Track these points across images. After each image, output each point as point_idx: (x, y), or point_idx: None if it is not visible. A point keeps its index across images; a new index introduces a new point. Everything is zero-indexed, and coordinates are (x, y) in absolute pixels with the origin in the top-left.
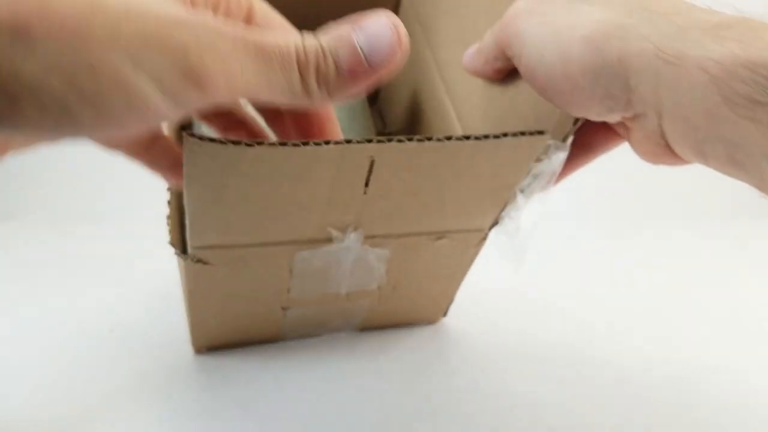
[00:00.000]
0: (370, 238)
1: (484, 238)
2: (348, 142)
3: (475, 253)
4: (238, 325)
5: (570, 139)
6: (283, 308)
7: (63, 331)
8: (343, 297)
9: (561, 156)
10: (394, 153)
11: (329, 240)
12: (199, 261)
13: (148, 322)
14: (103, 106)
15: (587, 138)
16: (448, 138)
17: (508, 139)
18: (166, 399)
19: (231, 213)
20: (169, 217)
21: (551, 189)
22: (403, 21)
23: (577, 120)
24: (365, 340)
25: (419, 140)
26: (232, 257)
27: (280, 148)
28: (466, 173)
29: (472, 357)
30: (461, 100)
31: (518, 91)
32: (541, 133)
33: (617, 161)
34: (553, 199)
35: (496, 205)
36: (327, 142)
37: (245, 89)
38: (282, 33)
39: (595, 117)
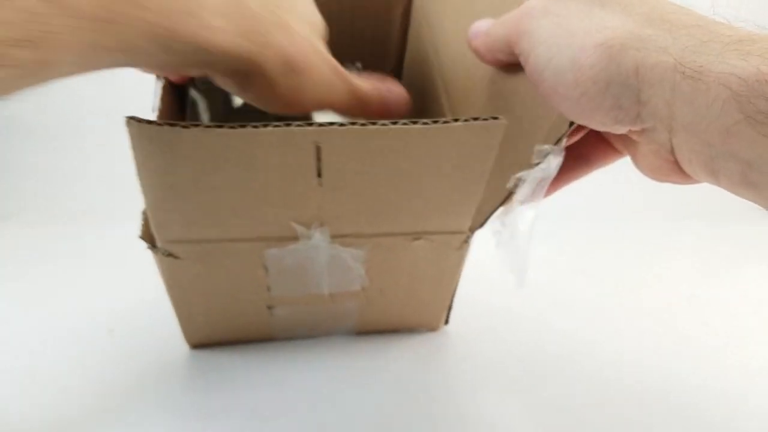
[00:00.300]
0: (339, 237)
1: (466, 241)
2: (288, 125)
3: (460, 257)
4: (227, 323)
5: (563, 142)
6: (269, 307)
7: (62, 331)
8: (327, 298)
9: (556, 161)
10: (339, 138)
11: (295, 238)
12: (169, 255)
13: (148, 323)
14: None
15: (585, 150)
16: (394, 122)
17: (459, 125)
18: (165, 399)
19: (187, 204)
20: (143, 212)
21: (542, 199)
22: (412, 21)
23: (572, 123)
24: (364, 342)
25: (362, 124)
26: (200, 252)
27: (216, 130)
28: (423, 164)
29: (472, 363)
30: (458, 102)
31: (515, 93)
32: (495, 118)
33: (618, 162)
34: (555, 201)
35: (469, 203)
36: (266, 125)
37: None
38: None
39: (598, 127)
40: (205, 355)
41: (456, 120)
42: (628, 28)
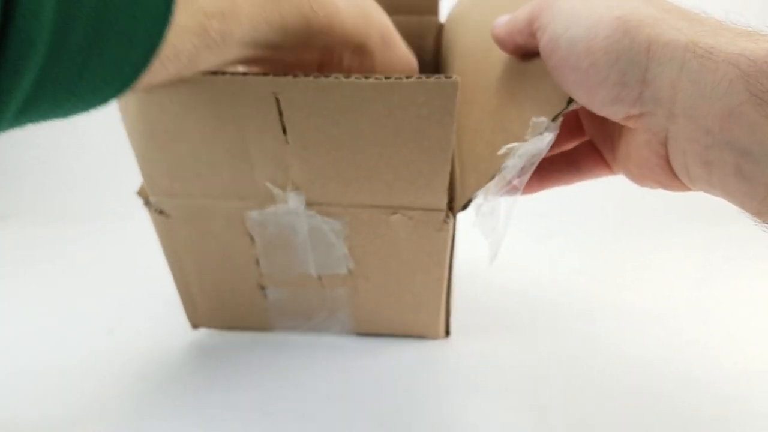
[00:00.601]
0: (316, 205)
1: (446, 222)
2: (245, 74)
3: (444, 241)
4: (222, 300)
5: (559, 121)
6: (262, 287)
7: (62, 331)
8: (315, 279)
9: (549, 137)
10: (296, 90)
11: (272, 200)
12: (161, 213)
13: (148, 323)
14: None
15: (577, 157)
16: (347, 76)
17: (410, 81)
18: (165, 399)
19: (167, 154)
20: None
21: (526, 180)
22: (443, 48)
23: (570, 102)
24: (365, 342)
25: (316, 77)
26: (188, 211)
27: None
28: (383, 125)
29: (472, 365)
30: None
31: (522, 86)
32: (449, 77)
33: None
34: (554, 201)
35: (437, 175)
36: (224, 73)
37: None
38: None
39: (598, 107)
40: (206, 355)
41: (408, 77)
42: (648, 11)
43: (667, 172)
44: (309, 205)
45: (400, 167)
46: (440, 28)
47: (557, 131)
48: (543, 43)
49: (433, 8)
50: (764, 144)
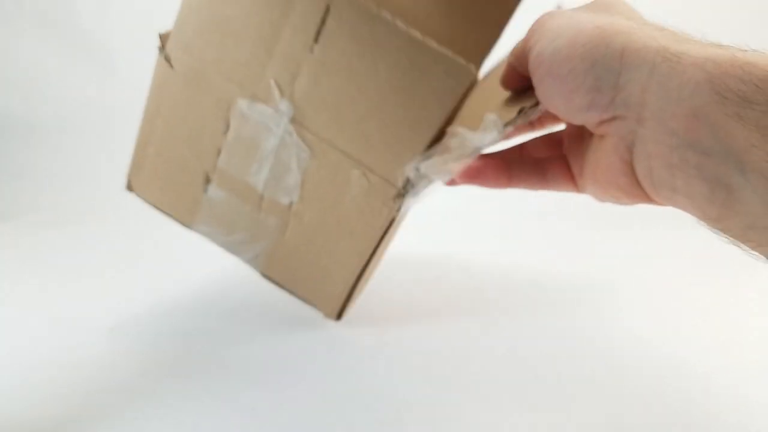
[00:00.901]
0: (299, 125)
1: (394, 201)
2: None
3: (384, 218)
4: (167, 175)
5: (509, 129)
6: (207, 179)
7: (62, 331)
8: (257, 197)
9: (492, 135)
10: (349, 8)
11: (267, 99)
12: (167, 61)
13: (148, 323)
14: None
15: (549, 167)
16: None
17: (439, 48)
18: (165, 399)
19: (209, 10)
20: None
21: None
22: None
23: (521, 111)
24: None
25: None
26: (192, 71)
27: None
28: (395, 77)
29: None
30: None
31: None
32: (469, 65)
33: None
34: (554, 201)
35: (412, 145)
36: None
37: None
38: None
39: (574, 113)
40: (206, 356)
41: (440, 45)
42: (626, 23)
43: (630, 178)
44: (294, 122)
45: (387, 126)
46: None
47: (503, 133)
48: (531, 59)
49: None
50: (724, 143)
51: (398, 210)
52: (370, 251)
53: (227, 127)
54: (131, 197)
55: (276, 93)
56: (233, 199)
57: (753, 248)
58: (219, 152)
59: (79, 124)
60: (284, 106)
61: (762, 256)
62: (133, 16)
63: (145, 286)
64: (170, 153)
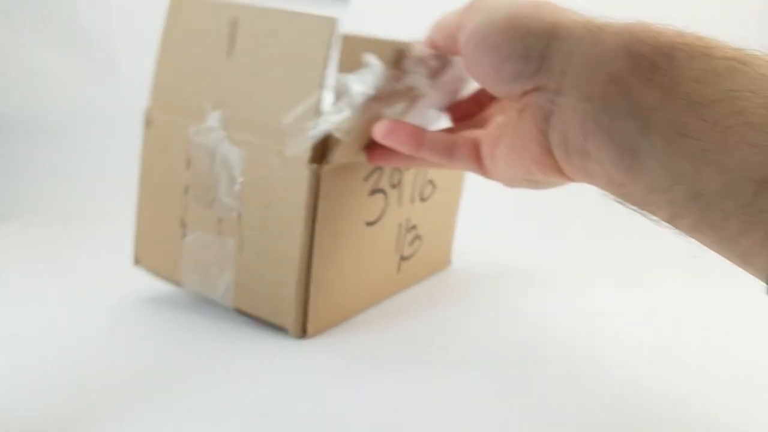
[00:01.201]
0: (229, 130)
1: (308, 167)
2: None
3: (306, 194)
4: (157, 234)
5: (390, 72)
6: (183, 225)
7: (62, 331)
8: (217, 222)
9: (369, 77)
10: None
11: (203, 117)
12: (148, 123)
13: (148, 323)
14: None
15: (459, 143)
16: None
17: (290, 13)
18: (165, 399)
19: (169, 65)
20: None
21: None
22: None
23: (401, 51)
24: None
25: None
26: (161, 123)
27: None
28: (286, 55)
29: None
30: None
31: None
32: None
33: None
34: (553, 201)
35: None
36: None
37: None
38: None
39: (501, 85)
40: (206, 355)
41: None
42: (559, 5)
43: (544, 148)
44: (225, 129)
45: (281, 99)
46: None
47: (384, 75)
48: (466, 33)
49: None
50: (633, 106)
51: (317, 179)
52: (303, 239)
53: (188, 162)
54: (131, 197)
55: (208, 107)
56: (202, 234)
57: (653, 213)
58: (187, 190)
59: (79, 124)
60: (215, 117)
61: (663, 221)
62: (134, 16)
63: (146, 286)
64: (157, 213)
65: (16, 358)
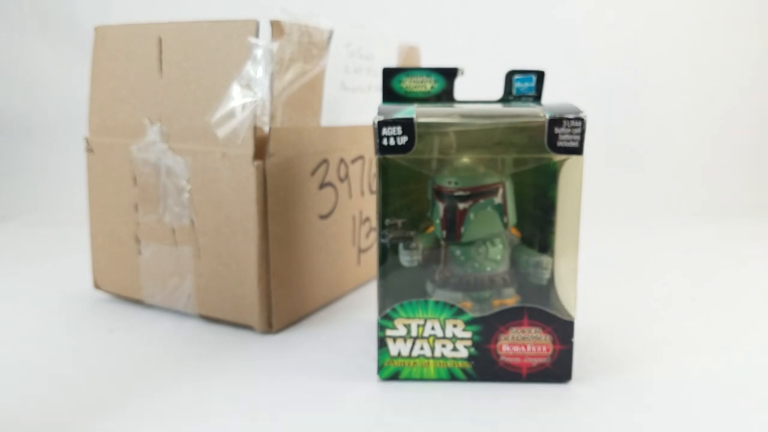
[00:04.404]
0: (171, 141)
1: (253, 164)
2: None
3: (253, 189)
4: (112, 255)
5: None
6: (137, 241)
7: (62, 332)
8: (171, 232)
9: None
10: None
11: (144, 133)
12: (90, 150)
13: (148, 323)
14: None
15: None
16: None
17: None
18: (165, 399)
19: (102, 92)
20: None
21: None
22: None
23: None
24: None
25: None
26: (101, 150)
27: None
28: (213, 60)
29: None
30: None
31: None
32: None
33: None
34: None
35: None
36: None
37: None
38: None
39: None
40: (206, 355)
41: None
42: None
43: None
44: (167, 141)
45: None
46: None
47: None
48: None
49: None
50: None
51: (263, 175)
52: (258, 235)
53: (135, 179)
54: None
55: (146, 122)
56: (158, 247)
57: None
58: (137, 207)
59: (78, 124)
60: (155, 131)
61: None
62: (133, 16)
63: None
64: (110, 234)
65: (15, 358)
